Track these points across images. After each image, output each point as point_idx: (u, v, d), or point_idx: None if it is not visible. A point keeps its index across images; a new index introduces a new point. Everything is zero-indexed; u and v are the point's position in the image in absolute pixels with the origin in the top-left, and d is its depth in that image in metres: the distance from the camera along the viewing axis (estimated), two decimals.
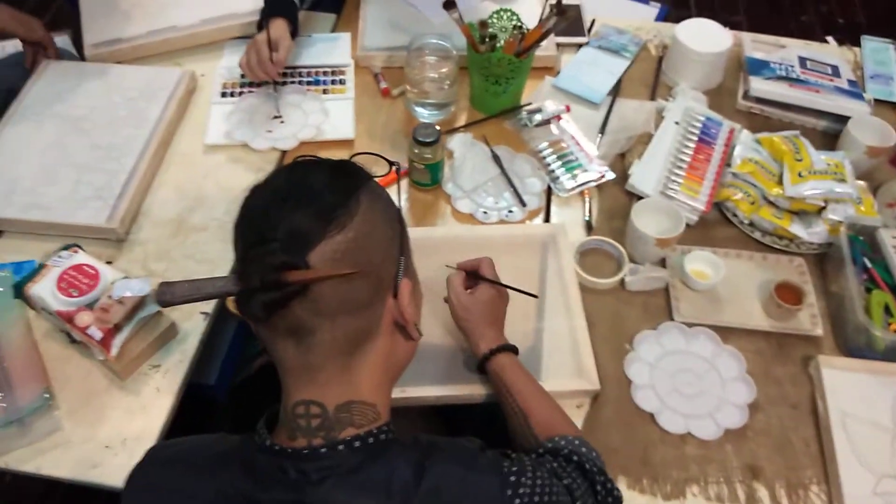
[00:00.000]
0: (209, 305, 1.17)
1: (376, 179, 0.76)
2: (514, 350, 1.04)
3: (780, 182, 1.28)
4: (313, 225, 0.65)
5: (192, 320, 1.15)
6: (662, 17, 1.98)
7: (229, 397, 1.40)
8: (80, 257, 1.11)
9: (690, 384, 1.10)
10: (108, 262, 1.20)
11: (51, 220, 1.21)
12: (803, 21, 3.13)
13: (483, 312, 1.05)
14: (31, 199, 1.23)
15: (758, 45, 1.56)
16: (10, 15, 1.45)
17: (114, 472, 0.99)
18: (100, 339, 1.03)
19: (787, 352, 1.15)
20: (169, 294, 0.67)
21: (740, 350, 1.13)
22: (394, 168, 0.79)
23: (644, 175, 1.30)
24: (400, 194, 0.77)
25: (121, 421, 1.04)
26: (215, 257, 1.23)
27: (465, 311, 1.05)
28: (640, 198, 1.29)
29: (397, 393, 1.04)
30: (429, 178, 1.31)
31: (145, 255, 1.23)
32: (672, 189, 1.27)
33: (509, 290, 1.08)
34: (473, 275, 1.09)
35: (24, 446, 1.01)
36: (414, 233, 1.26)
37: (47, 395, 1.03)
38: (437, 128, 1.25)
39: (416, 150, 1.25)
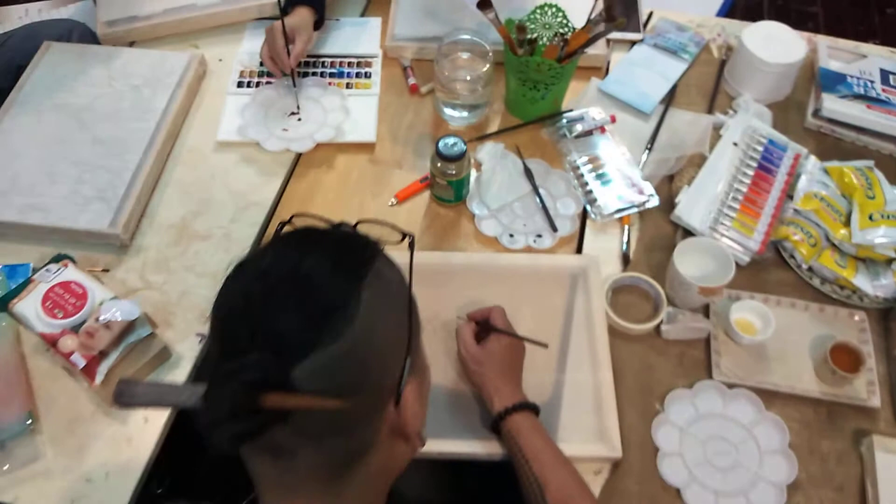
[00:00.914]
0: (205, 326, 1.09)
1: (386, 254, 0.65)
2: (533, 409, 0.94)
3: (847, 223, 1.13)
4: (302, 332, 0.54)
5: (187, 342, 1.07)
6: (727, 8, 1.79)
7: None
8: (70, 273, 1.03)
9: (724, 455, 0.99)
10: (105, 270, 1.14)
11: (51, 224, 1.13)
12: (889, 14, 2.78)
13: (497, 365, 0.95)
14: (31, 200, 1.16)
15: (835, 53, 1.38)
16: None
17: None
18: (83, 367, 0.96)
19: (836, 423, 1.02)
20: (127, 396, 0.57)
21: (784, 418, 1.01)
22: (409, 238, 0.68)
23: (693, 205, 1.16)
24: (411, 265, 0.65)
25: (105, 451, 0.98)
26: (216, 270, 1.14)
27: (477, 364, 0.95)
28: (686, 231, 1.16)
29: None
30: (452, 194, 1.19)
31: (144, 264, 1.15)
32: (723, 225, 1.13)
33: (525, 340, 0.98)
34: (485, 324, 0.99)
35: (3, 474, 0.96)
36: (430, 258, 1.17)
37: (30, 421, 0.97)
38: (464, 142, 1.13)
39: (439, 165, 1.14)
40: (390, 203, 1.22)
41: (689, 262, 1.08)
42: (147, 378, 1.03)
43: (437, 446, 0.97)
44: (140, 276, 1.14)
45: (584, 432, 0.99)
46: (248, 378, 0.52)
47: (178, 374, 1.04)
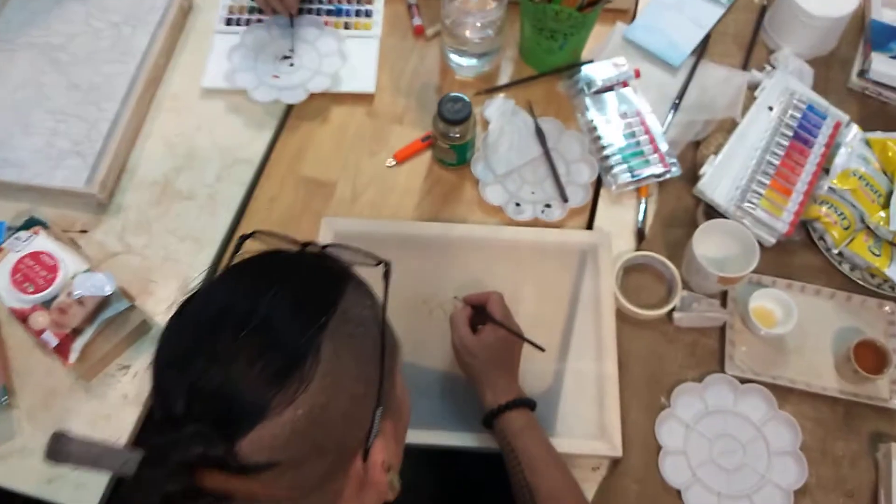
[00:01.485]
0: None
1: (358, 278, 0.57)
2: (530, 405, 0.88)
3: (885, 205, 1.03)
4: (251, 396, 0.47)
5: (168, 314, 1.01)
6: None
7: None
8: (41, 241, 0.96)
9: (731, 455, 0.94)
10: (83, 231, 1.07)
11: (25, 181, 1.05)
12: None
13: (491, 357, 0.88)
14: (4, 154, 1.07)
15: (891, 2, 1.23)
16: None
17: (68, 492, 0.91)
18: (56, 346, 0.91)
19: (853, 424, 0.96)
20: (60, 454, 0.51)
21: (797, 416, 0.95)
22: (384, 266, 0.60)
23: (719, 179, 1.06)
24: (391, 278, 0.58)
25: (82, 429, 0.94)
26: (199, 235, 1.07)
27: (471, 356, 0.89)
28: (708, 207, 1.06)
29: None
30: (454, 157, 1.10)
31: (124, 225, 1.08)
32: (751, 203, 1.03)
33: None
34: (481, 311, 0.91)
35: None
36: (429, 229, 1.08)
37: (5, 396, 0.93)
38: (470, 103, 1.02)
39: (441, 127, 1.04)
40: (388, 163, 1.13)
41: (709, 244, 1.00)
42: (124, 353, 0.98)
43: (429, 437, 0.92)
44: (119, 239, 1.07)
45: (584, 428, 0.94)
46: (183, 457, 0.45)
47: None
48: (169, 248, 1.06)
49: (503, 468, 0.87)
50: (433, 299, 1.01)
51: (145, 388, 0.97)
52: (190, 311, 0.53)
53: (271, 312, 0.50)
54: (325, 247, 0.60)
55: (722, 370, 0.98)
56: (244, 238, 0.60)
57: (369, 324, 0.56)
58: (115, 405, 0.96)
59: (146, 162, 1.13)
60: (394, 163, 1.13)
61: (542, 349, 0.89)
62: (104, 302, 0.94)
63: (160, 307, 1.02)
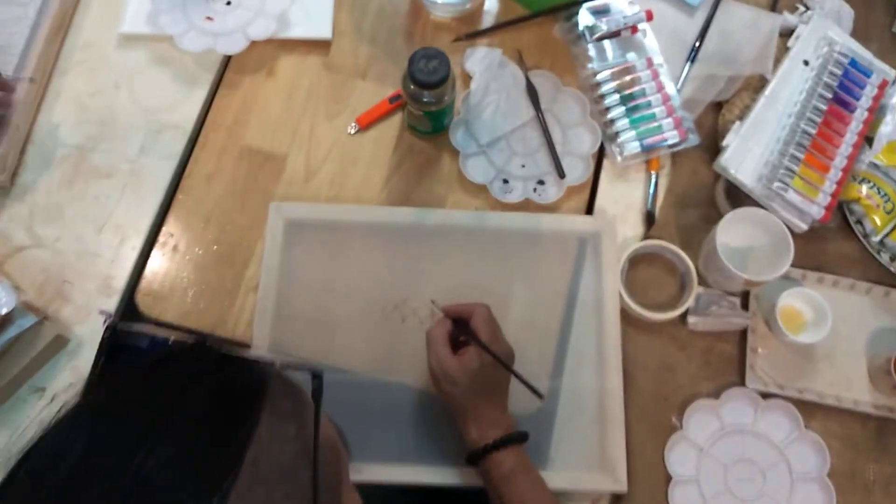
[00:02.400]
0: (111, 301, 0.86)
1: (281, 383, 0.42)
2: (521, 439, 0.74)
3: None
4: None
5: (88, 322, 0.84)
6: None
7: None
8: None
9: (748, 483, 0.82)
10: None
11: None
12: None
13: (476, 385, 0.74)
14: None
15: None
16: None
17: None
18: None
19: (888, 443, 0.84)
20: None
21: (825, 434, 0.83)
22: (312, 379, 0.45)
23: (745, 152, 0.88)
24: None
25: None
26: (122, 222, 0.88)
27: (451, 384, 0.74)
28: (730, 185, 0.89)
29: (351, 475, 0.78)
30: (429, 125, 0.91)
31: (31, 211, 0.89)
32: (782, 184, 0.87)
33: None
34: (463, 325, 0.76)
35: None
36: (399, 216, 0.88)
37: None
38: (446, 58, 0.82)
39: (413, 90, 0.84)
40: (350, 129, 0.94)
41: (732, 233, 0.84)
42: (37, 374, 0.82)
43: (400, 474, 0.79)
44: (27, 230, 0.88)
45: (582, 458, 0.81)
46: None
47: (79, 363, 0.83)
48: (86, 239, 0.88)
49: None
50: (405, 304, 0.85)
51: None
52: (30, 472, 0.37)
53: (149, 473, 0.35)
54: (224, 353, 0.44)
55: (741, 381, 0.85)
56: (112, 330, 0.44)
57: (295, 468, 0.41)
58: (30, 435, 0.81)
59: (55, 131, 0.92)
60: (356, 129, 0.94)
61: (540, 396, 0.74)
62: (4, 320, 0.77)
63: (78, 315, 0.85)
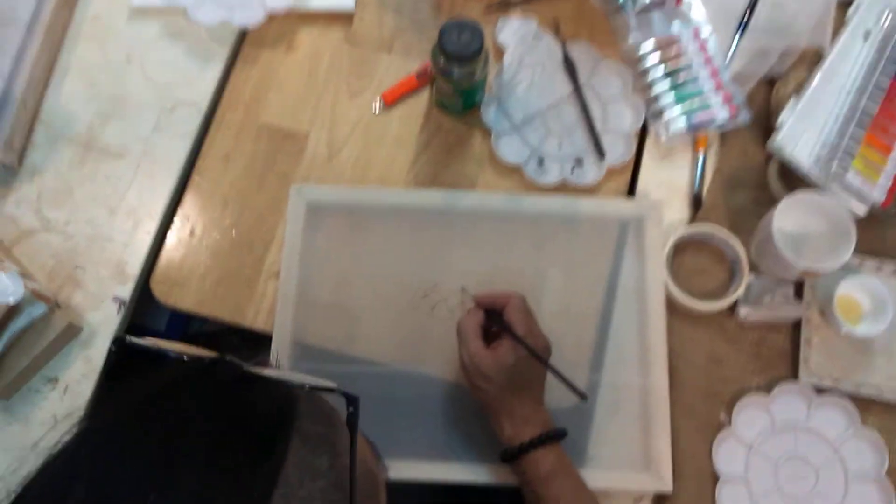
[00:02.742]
0: (125, 288, 0.81)
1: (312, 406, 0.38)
2: (560, 436, 0.69)
3: None
4: None
5: (102, 309, 0.81)
6: None
7: None
8: None
9: (800, 481, 0.77)
10: None
11: None
12: None
13: (511, 380, 0.69)
14: None
15: None
16: None
17: None
18: None
19: None
20: None
21: (884, 432, 0.77)
22: (347, 404, 0.40)
23: (801, 131, 0.82)
24: None
25: (2, 465, 0.76)
26: (135, 205, 0.84)
27: (484, 380, 0.69)
28: (783, 167, 0.83)
29: None
30: (460, 102, 0.85)
31: (40, 194, 0.84)
32: (842, 165, 0.81)
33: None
34: (496, 317, 0.71)
35: None
36: (428, 199, 0.82)
37: None
38: (480, 30, 0.76)
39: (443, 63, 0.78)
40: (374, 107, 0.88)
41: (789, 217, 0.78)
42: (49, 364, 0.78)
43: (430, 471, 0.74)
44: (36, 212, 0.84)
45: (624, 456, 0.76)
46: None
47: (92, 353, 0.79)
48: (97, 222, 0.83)
49: None
50: (435, 291, 0.80)
51: (80, 404, 0.78)
52: None
53: None
54: (247, 372, 0.39)
55: (794, 375, 0.79)
56: (120, 344, 0.39)
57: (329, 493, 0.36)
58: (43, 428, 0.77)
59: (64, 108, 0.87)
60: (382, 106, 0.88)
61: (584, 397, 0.69)
62: (12, 311, 0.73)
63: (91, 302, 0.81)
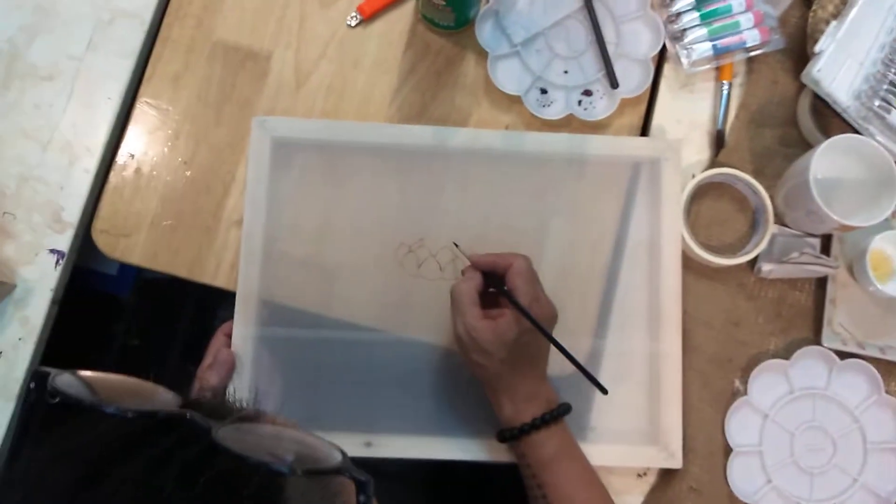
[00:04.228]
0: (62, 238, 0.70)
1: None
2: (563, 413, 0.62)
3: None
4: None
5: (37, 262, 0.70)
6: None
7: (136, 294, 0.99)
8: None
9: (817, 452, 0.71)
10: None
11: None
12: None
13: (512, 355, 0.61)
14: None
15: None
16: None
17: None
18: None
19: None
20: None
21: None
22: (356, 488, 0.30)
23: (840, 62, 0.71)
24: None
25: None
26: (70, 138, 0.71)
27: (483, 354, 0.60)
28: (817, 98, 0.73)
29: (359, 449, 0.67)
30: (451, 17, 0.72)
31: None
32: (884, 102, 0.70)
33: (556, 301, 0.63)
34: (496, 283, 0.62)
35: None
36: (413, 135, 0.71)
37: None
38: None
39: None
40: (350, 20, 0.75)
41: (825, 164, 0.68)
42: None
43: (419, 448, 0.67)
44: None
45: (629, 429, 0.69)
46: None
47: (29, 314, 0.69)
48: (27, 160, 0.71)
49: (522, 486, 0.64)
50: (422, 245, 0.70)
51: (17, 375, 0.68)
52: None
53: None
54: (216, 443, 0.29)
55: (815, 336, 0.72)
56: (39, 382, 0.29)
57: None
58: None
59: None
60: (358, 19, 0.75)
61: (604, 391, 0.60)
62: None
63: (24, 255, 0.70)
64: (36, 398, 0.30)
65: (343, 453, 0.31)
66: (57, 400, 0.29)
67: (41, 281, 0.69)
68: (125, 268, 0.94)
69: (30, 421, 0.30)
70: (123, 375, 0.33)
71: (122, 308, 0.96)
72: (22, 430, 0.30)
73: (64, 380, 0.31)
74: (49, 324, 0.70)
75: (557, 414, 0.62)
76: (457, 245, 0.68)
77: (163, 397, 0.32)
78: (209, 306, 0.94)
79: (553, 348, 0.62)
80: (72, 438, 0.28)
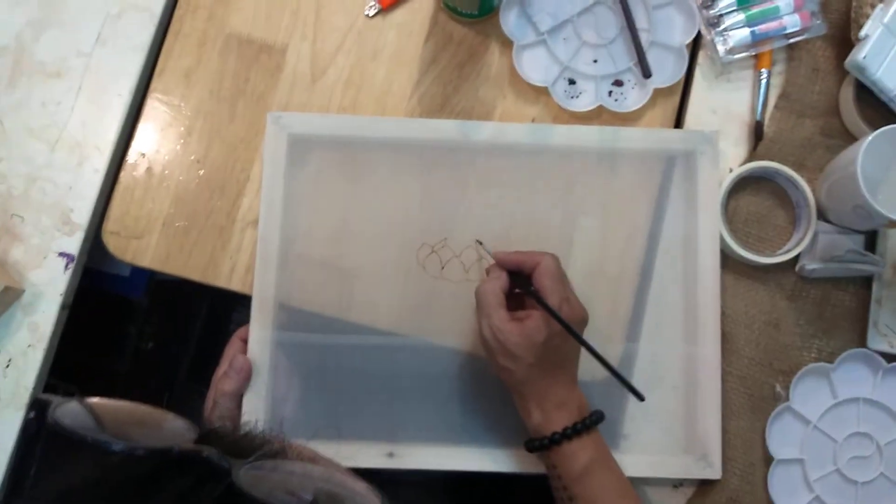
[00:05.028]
0: (72, 240, 0.68)
1: None
2: (597, 421, 0.59)
3: None
4: None
5: (46, 265, 0.67)
6: None
7: (149, 296, 0.96)
8: None
9: (863, 462, 0.67)
10: None
11: None
12: None
13: (541, 359, 0.57)
14: None
15: None
16: None
17: None
18: None
19: None
20: None
21: None
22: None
23: (888, 46, 0.67)
24: None
25: None
26: (79, 137, 0.69)
27: (509, 358, 0.57)
28: (860, 86, 0.69)
29: (381, 460, 0.64)
30: (476, 5, 0.69)
31: None
32: None
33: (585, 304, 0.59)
34: (523, 284, 0.59)
35: None
36: (435, 129, 0.68)
37: None
38: None
39: None
40: (368, 10, 0.72)
41: (873, 157, 0.64)
42: None
43: (442, 460, 0.64)
44: None
45: (664, 438, 0.65)
46: None
47: (38, 319, 0.66)
48: (35, 160, 0.68)
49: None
50: (445, 245, 0.67)
51: (26, 384, 0.66)
52: None
53: None
54: (235, 488, 0.25)
55: (860, 339, 0.69)
56: (39, 410, 0.26)
57: None
58: None
59: None
60: (377, 9, 0.72)
61: (641, 398, 0.57)
62: None
63: (33, 258, 0.67)
64: (36, 430, 0.27)
65: (379, 494, 0.28)
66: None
67: (50, 285, 0.67)
68: (138, 269, 0.91)
69: (29, 455, 0.27)
70: (132, 402, 0.30)
71: (134, 310, 0.94)
72: (21, 463, 0.27)
73: (67, 409, 0.28)
74: (59, 330, 0.67)
75: (591, 423, 0.58)
76: (480, 243, 0.65)
77: (173, 426, 0.29)
78: (224, 308, 0.92)
79: (584, 352, 0.59)
80: (76, 476, 0.26)
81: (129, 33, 0.70)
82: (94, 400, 0.30)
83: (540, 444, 0.58)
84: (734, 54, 0.71)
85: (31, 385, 0.66)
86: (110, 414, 0.30)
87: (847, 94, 0.70)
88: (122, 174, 0.69)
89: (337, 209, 0.67)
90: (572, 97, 0.70)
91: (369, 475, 0.64)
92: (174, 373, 0.97)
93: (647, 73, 0.70)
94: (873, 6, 0.68)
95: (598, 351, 0.57)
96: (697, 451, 0.65)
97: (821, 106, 0.71)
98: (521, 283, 0.59)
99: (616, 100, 0.70)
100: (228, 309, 0.93)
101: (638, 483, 0.65)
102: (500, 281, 0.59)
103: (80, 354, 0.85)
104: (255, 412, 0.63)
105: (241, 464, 0.26)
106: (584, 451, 0.58)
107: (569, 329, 0.56)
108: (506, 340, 0.57)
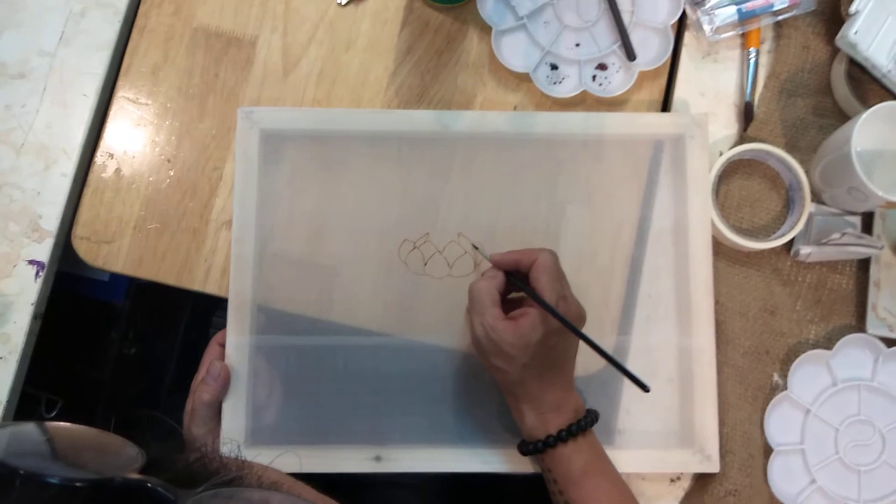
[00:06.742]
0: (42, 247, 0.65)
1: None
2: (592, 422, 0.57)
3: None
4: None
5: (16, 275, 0.65)
6: None
7: (131, 300, 0.94)
8: None
9: (864, 448, 0.65)
10: None
11: None
12: None
13: (537, 359, 0.55)
14: None
15: None
16: None
17: None
18: None
19: None
20: None
21: None
22: None
23: (879, 21, 0.65)
24: None
25: None
26: (45, 140, 0.66)
27: (504, 359, 0.55)
28: (853, 63, 0.66)
29: (368, 465, 0.62)
30: None
31: None
32: None
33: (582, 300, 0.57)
34: (520, 279, 0.57)
35: None
36: (413, 120, 0.65)
37: None
38: None
39: None
40: (341, 0, 0.69)
41: (867, 135, 0.62)
42: None
43: (433, 461, 0.62)
44: None
45: (659, 432, 0.63)
46: None
47: (9, 331, 0.64)
48: (0, 165, 0.66)
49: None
50: (427, 240, 0.65)
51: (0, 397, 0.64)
52: None
53: None
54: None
55: (859, 323, 0.67)
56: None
57: None
58: None
59: None
60: None
61: (646, 389, 0.54)
62: None
63: (3, 267, 0.65)
64: None
65: None
66: None
67: (21, 295, 0.64)
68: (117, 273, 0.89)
69: None
70: (93, 429, 0.28)
71: (116, 315, 0.91)
72: None
73: (20, 432, 0.26)
74: (32, 340, 0.65)
75: (586, 424, 0.56)
76: (476, 247, 0.63)
77: (129, 454, 0.27)
78: (208, 309, 0.89)
79: (581, 351, 0.57)
80: None
81: (93, 31, 0.68)
82: (52, 424, 0.28)
83: (534, 448, 0.56)
84: (721, 34, 0.68)
85: (5, 399, 0.64)
86: (66, 440, 0.27)
87: (839, 72, 0.68)
88: (91, 177, 0.66)
89: (313, 206, 0.65)
90: (555, 83, 0.68)
91: (363, 478, 0.62)
92: (160, 377, 0.95)
93: (631, 56, 0.67)
94: None
95: (598, 344, 0.55)
96: (695, 445, 0.63)
97: (812, 84, 0.69)
98: (518, 281, 0.57)
99: (600, 84, 0.68)
100: (211, 311, 0.91)
101: (634, 477, 0.63)
102: (496, 279, 0.57)
103: (61, 362, 0.83)
104: (234, 419, 0.61)
105: (190, 494, 0.24)
106: (578, 454, 0.56)
107: (567, 324, 0.53)
108: (499, 340, 0.54)
